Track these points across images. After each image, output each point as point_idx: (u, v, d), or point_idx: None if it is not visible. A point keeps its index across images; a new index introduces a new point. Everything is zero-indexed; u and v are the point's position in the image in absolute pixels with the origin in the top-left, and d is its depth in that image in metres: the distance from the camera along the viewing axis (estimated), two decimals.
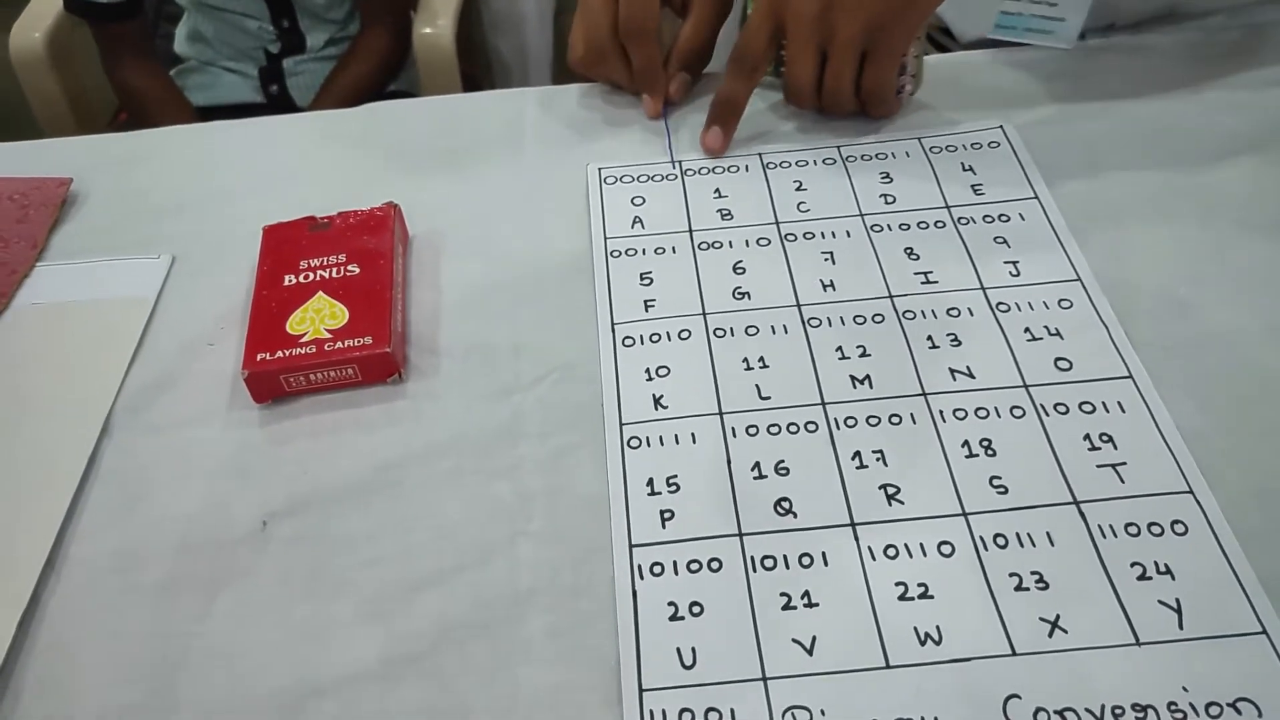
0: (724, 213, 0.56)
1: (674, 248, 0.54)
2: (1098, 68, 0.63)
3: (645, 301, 0.52)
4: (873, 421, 0.46)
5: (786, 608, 0.40)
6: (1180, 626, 0.39)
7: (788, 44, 0.57)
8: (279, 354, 0.48)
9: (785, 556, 0.42)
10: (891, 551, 0.42)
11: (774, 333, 0.50)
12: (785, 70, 0.59)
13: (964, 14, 0.71)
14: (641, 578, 0.42)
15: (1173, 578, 0.40)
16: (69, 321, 0.53)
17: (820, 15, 0.55)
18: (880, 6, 0.54)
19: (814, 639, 0.39)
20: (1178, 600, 0.40)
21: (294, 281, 0.51)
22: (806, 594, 0.41)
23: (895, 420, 0.46)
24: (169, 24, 1.34)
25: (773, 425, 0.46)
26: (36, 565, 0.43)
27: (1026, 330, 0.49)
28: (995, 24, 0.63)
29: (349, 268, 0.52)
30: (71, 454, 0.47)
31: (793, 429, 0.46)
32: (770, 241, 0.54)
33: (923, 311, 0.50)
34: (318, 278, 0.51)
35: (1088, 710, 0.37)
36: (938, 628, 0.39)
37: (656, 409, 0.47)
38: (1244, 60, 0.63)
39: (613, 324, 0.51)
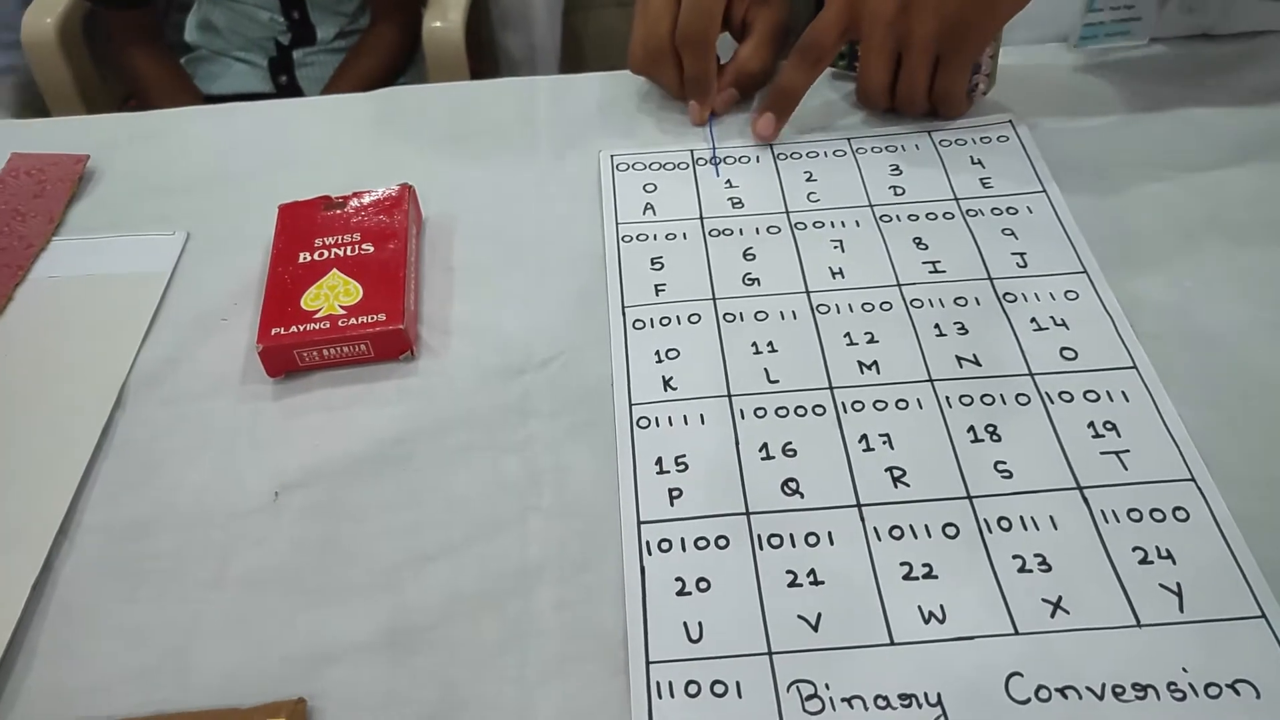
0: (735, 201, 0.57)
1: (685, 234, 0.55)
2: (1109, 69, 0.64)
3: (656, 286, 0.52)
4: (879, 406, 0.46)
5: (792, 585, 0.41)
6: (1181, 609, 0.39)
7: (862, 45, 0.57)
8: (293, 329, 0.48)
9: (792, 535, 0.42)
10: (896, 532, 0.42)
11: (783, 318, 0.50)
12: (859, 72, 0.59)
13: (1038, 26, 0.68)
14: (650, 554, 0.42)
15: (1174, 562, 0.41)
16: (85, 295, 0.54)
17: (897, 17, 0.55)
18: (957, 8, 0.54)
19: (819, 615, 0.40)
20: (1178, 584, 0.40)
21: (309, 259, 0.52)
22: (812, 572, 0.41)
23: (902, 405, 0.46)
24: (180, 13, 1.35)
25: (780, 408, 0.47)
26: (50, 532, 0.43)
27: (1033, 320, 0.49)
28: (1080, 36, 0.64)
29: (363, 246, 0.52)
30: (86, 424, 0.47)
31: (800, 412, 0.46)
32: (781, 230, 0.55)
33: (930, 300, 0.51)
34: (332, 255, 0.52)
35: (1089, 689, 0.37)
36: (941, 606, 0.40)
37: (666, 390, 0.48)
38: (1253, 67, 0.64)
39: (623, 307, 0.51)
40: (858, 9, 0.56)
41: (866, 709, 0.37)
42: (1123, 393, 0.46)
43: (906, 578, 0.41)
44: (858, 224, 0.55)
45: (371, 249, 0.52)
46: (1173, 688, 0.37)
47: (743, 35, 0.63)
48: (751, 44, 0.62)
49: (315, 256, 0.52)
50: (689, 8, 0.58)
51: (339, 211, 0.55)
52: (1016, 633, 0.39)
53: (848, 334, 0.49)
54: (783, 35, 0.63)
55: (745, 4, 0.61)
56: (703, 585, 0.41)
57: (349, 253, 0.52)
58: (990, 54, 0.58)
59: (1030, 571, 0.41)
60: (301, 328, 0.48)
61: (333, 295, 0.50)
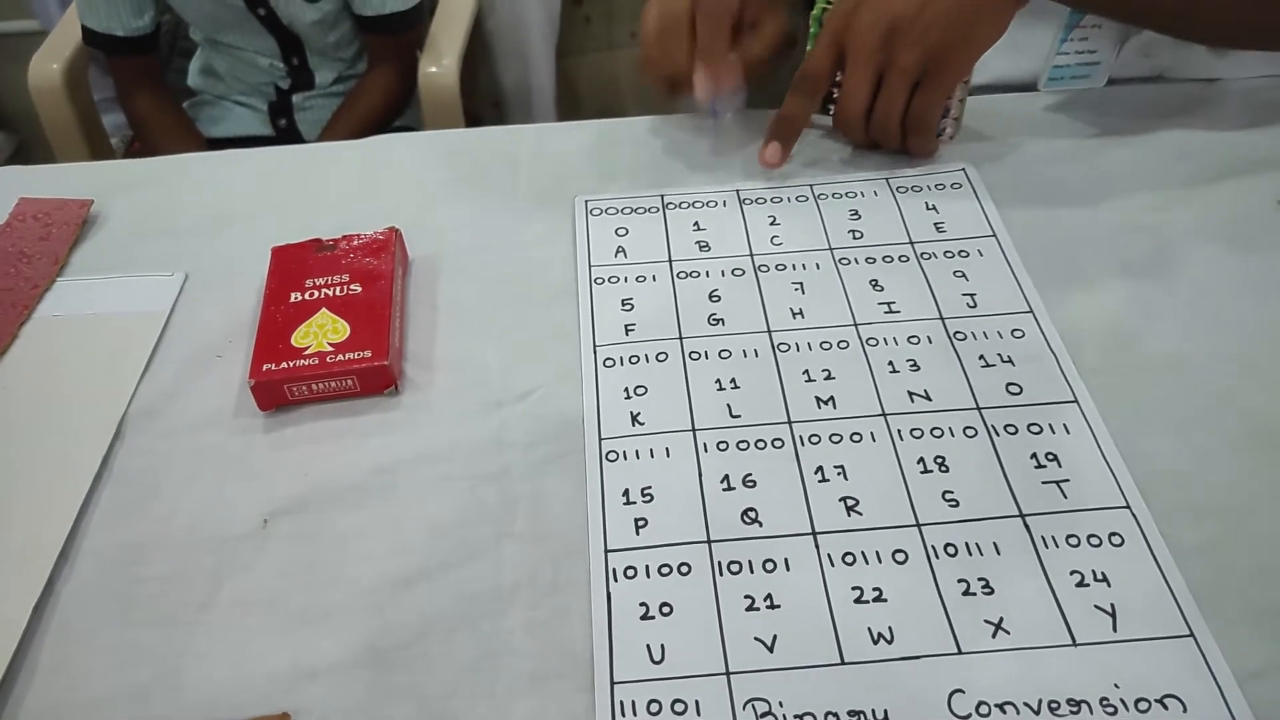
0: (702, 244, 0.60)
1: (654, 276, 0.58)
2: (1059, 116, 0.68)
3: (626, 325, 0.55)
4: (835, 439, 0.49)
5: (750, 609, 0.43)
6: (1114, 629, 0.42)
7: (845, 70, 0.60)
8: (283, 365, 0.51)
9: (750, 562, 0.45)
10: (849, 558, 0.45)
11: (745, 356, 0.53)
12: (839, 97, 0.62)
13: (1016, 67, 0.73)
14: (615, 580, 0.45)
15: (1109, 585, 0.43)
16: (87, 333, 0.56)
17: (882, 45, 0.58)
18: (940, 38, 0.57)
19: (774, 637, 0.42)
20: (1112, 605, 0.43)
21: (299, 299, 0.55)
22: (769, 596, 0.44)
23: (856, 438, 0.49)
24: (183, 58, 1.39)
25: (742, 441, 0.49)
26: (51, 555, 0.46)
27: (981, 357, 0.52)
28: (1048, 78, 0.67)
29: (351, 287, 0.55)
30: (86, 454, 0.50)
31: (760, 445, 0.49)
32: (745, 272, 0.58)
33: (885, 339, 0.54)
34: (322, 295, 0.55)
35: (1025, 704, 0.40)
36: (890, 628, 0.42)
37: (634, 425, 0.50)
38: (1198, 112, 0.67)
39: (595, 345, 0.54)
40: (844, 36, 0.59)
41: None
42: (1064, 425, 0.49)
43: (858, 601, 0.43)
44: (818, 266, 0.58)
45: (360, 289, 0.55)
46: (1105, 703, 0.40)
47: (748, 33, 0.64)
48: (757, 36, 0.64)
49: (306, 296, 0.55)
50: None
51: (329, 253, 0.58)
52: (960, 652, 0.42)
53: (806, 371, 0.52)
54: (787, 42, 0.65)
55: (755, 8, 0.64)
56: (665, 610, 0.43)
57: (338, 293, 0.55)
58: (959, 97, 0.62)
59: (974, 594, 0.43)
60: (291, 364, 0.51)
61: (322, 333, 0.53)
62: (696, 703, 0.41)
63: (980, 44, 0.59)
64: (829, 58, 0.60)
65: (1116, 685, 0.40)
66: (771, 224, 0.61)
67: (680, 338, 0.54)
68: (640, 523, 0.47)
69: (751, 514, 0.46)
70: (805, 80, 0.62)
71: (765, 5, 0.64)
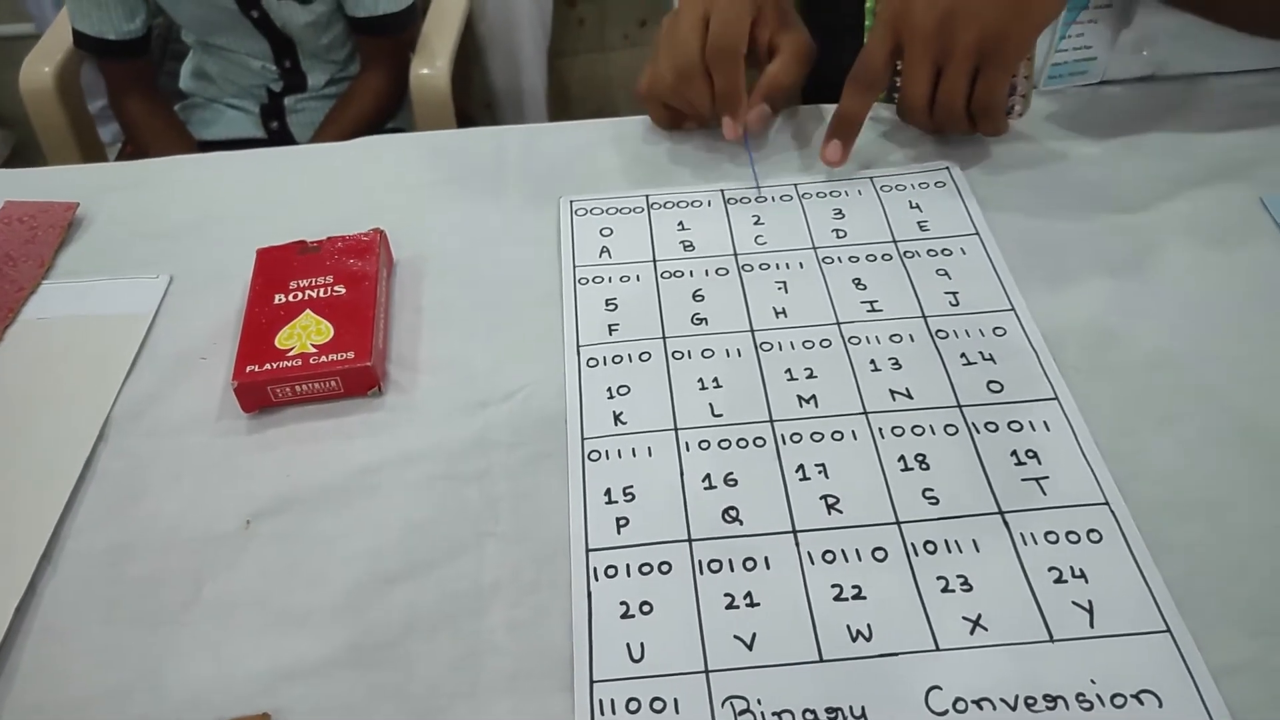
0: (686, 244, 0.60)
1: (638, 276, 0.58)
2: (1043, 116, 0.68)
3: (609, 325, 0.55)
4: (816, 437, 0.49)
5: (730, 607, 0.44)
6: (1091, 625, 0.42)
7: (905, 59, 0.60)
8: (267, 366, 0.51)
9: (730, 560, 0.45)
10: (829, 556, 0.45)
11: (728, 355, 0.53)
12: (900, 86, 0.61)
13: None
14: (596, 579, 0.45)
15: (1086, 581, 0.44)
16: (72, 335, 0.57)
17: (938, 30, 0.57)
18: (996, 18, 0.56)
19: (754, 635, 0.43)
20: (1090, 601, 0.43)
21: (284, 300, 0.55)
22: (749, 594, 0.44)
23: (838, 436, 0.49)
24: (175, 61, 1.39)
25: (723, 440, 0.50)
26: (34, 557, 0.46)
27: (962, 355, 0.53)
28: (1048, 75, 0.67)
29: (336, 288, 0.55)
30: (70, 456, 0.50)
31: (742, 444, 0.49)
32: (728, 271, 0.58)
33: (867, 337, 0.54)
34: (306, 297, 0.55)
35: (1002, 700, 0.40)
36: (869, 625, 0.43)
37: (616, 425, 0.51)
38: (1183, 112, 0.67)
39: (578, 346, 0.55)
40: (899, 26, 0.59)
41: None
42: (1044, 422, 0.49)
43: (837, 599, 0.44)
44: (801, 265, 0.58)
45: (344, 291, 0.55)
46: (1081, 698, 0.40)
47: (769, 58, 0.65)
48: (780, 61, 0.64)
49: (290, 298, 0.55)
50: (719, 24, 0.61)
51: (314, 255, 0.58)
52: (938, 648, 0.42)
53: (789, 370, 0.52)
54: (808, 57, 0.66)
55: (769, 30, 0.64)
56: (645, 608, 0.44)
57: (322, 294, 0.55)
58: (1025, 74, 0.61)
59: (953, 591, 0.44)
60: (275, 365, 0.51)
61: (305, 335, 0.53)
62: (675, 701, 0.41)
63: (1039, 18, 0.58)
64: (885, 49, 0.60)
65: (1093, 681, 0.41)
66: (756, 223, 0.61)
67: (663, 337, 0.55)
68: (621, 522, 0.47)
69: (732, 512, 0.47)
70: (862, 74, 0.61)
71: (778, 25, 0.64)
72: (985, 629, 0.42)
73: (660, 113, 0.67)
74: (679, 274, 0.58)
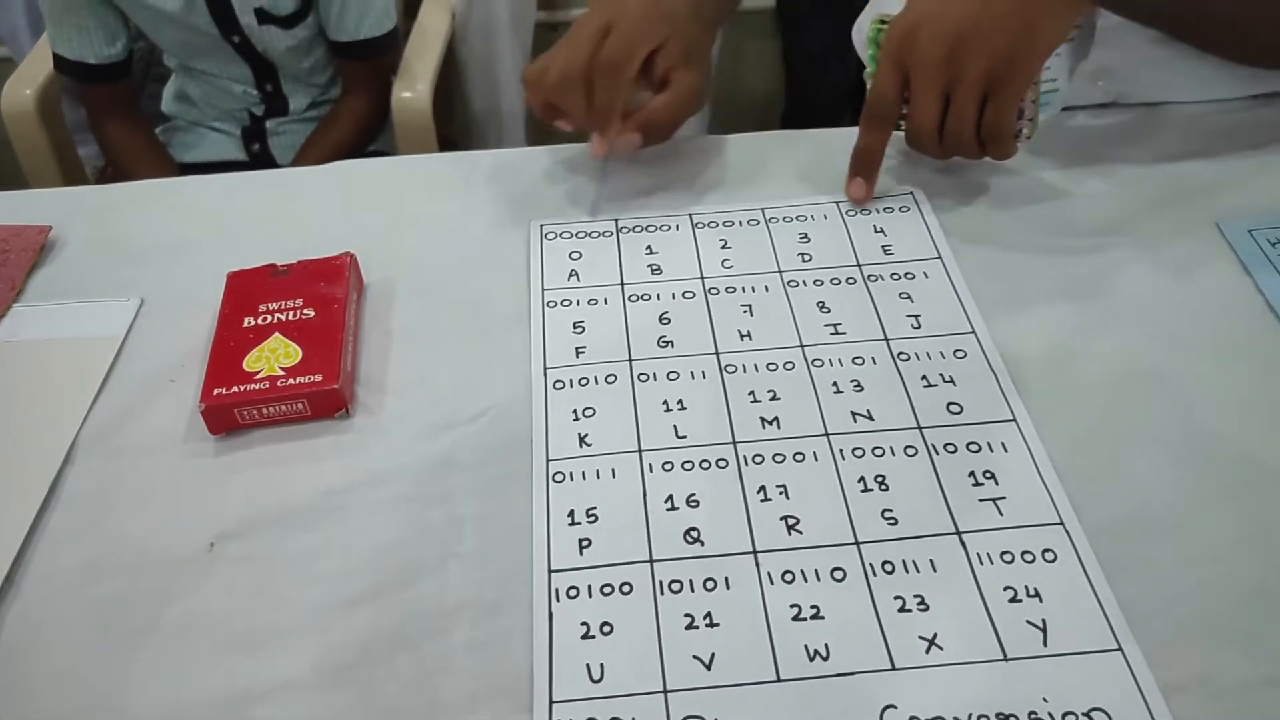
0: (654, 268, 0.61)
1: (606, 299, 0.59)
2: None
3: (576, 348, 0.56)
4: (778, 459, 0.50)
5: (690, 627, 0.44)
6: (1045, 644, 0.43)
7: (913, 89, 0.60)
8: (234, 389, 0.52)
9: (691, 581, 0.46)
10: (789, 576, 0.46)
11: (693, 378, 0.54)
12: (909, 115, 0.61)
13: None
14: (558, 600, 0.45)
15: (1041, 600, 0.44)
16: (41, 358, 0.57)
17: (946, 60, 0.57)
18: (1004, 46, 0.56)
19: (713, 655, 0.43)
20: (1044, 620, 0.43)
21: (253, 323, 0.55)
22: (709, 615, 0.44)
23: (799, 458, 0.50)
24: (156, 84, 1.40)
25: (686, 462, 0.50)
26: None
27: (923, 378, 0.53)
28: None
29: (305, 311, 0.56)
30: (36, 477, 0.50)
31: (705, 465, 0.50)
32: (695, 294, 0.59)
33: (830, 360, 0.55)
34: (275, 320, 0.55)
35: (955, 718, 0.41)
36: (826, 645, 0.43)
37: (581, 446, 0.51)
38: (1142, 139, 0.69)
39: (545, 368, 0.55)
40: (906, 57, 0.59)
41: None
42: (1002, 444, 0.50)
43: (795, 619, 0.44)
44: (766, 289, 0.59)
45: (313, 314, 0.56)
46: (1033, 717, 0.41)
47: (661, 88, 0.65)
48: (666, 98, 0.64)
49: (259, 321, 0.56)
50: (615, 40, 0.61)
51: (284, 278, 0.58)
52: (893, 668, 0.42)
53: (752, 392, 0.53)
54: (697, 102, 0.66)
55: (669, 63, 0.64)
56: (606, 629, 0.44)
57: (291, 317, 0.56)
58: (1032, 99, 0.61)
59: (909, 611, 0.44)
60: (243, 388, 0.52)
61: (274, 357, 0.53)
62: None
63: (1046, 44, 0.58)
64: (894, 82, 0.60)
65: (1045, 699, 0.41)
66: (723, 247, 0.62)
67: (630, 360, 0.55)
68: (584, 543, 0.47)
69: (694, 534, 0.47)
70: (877, 110, 0.61)
71: (680, 61, 0.64)
72: (941, 648, 0.43)
73: (539, 102, 0.65)
74: (646, 297, 0.59)
